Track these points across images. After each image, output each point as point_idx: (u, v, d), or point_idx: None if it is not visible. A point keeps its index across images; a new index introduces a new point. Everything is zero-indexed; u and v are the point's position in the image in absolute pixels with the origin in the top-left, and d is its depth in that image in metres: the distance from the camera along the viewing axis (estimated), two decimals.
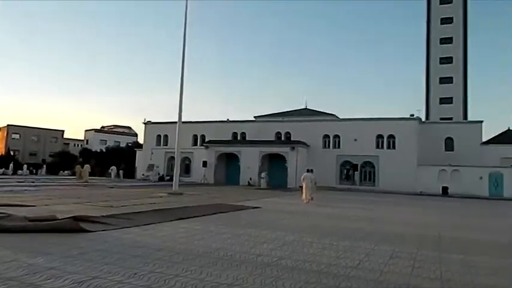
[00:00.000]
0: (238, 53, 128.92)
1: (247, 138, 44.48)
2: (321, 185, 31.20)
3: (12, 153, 68.59)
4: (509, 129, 42.48)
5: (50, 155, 72.06)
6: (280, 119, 46.46)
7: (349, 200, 23.23)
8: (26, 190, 21.21)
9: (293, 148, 38.90)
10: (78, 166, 39.04)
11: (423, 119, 47.22)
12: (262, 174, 36.04)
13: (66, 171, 53.83)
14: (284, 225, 10.92)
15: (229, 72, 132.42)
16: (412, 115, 40.40)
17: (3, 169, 49.98)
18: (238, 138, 45.40)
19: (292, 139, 41.84)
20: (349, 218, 13.49)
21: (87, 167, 37.18)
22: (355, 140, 39.94)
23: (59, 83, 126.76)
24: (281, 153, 39.37)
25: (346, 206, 19.35)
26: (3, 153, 68.31)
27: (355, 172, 39.54)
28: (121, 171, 46.24)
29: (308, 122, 43.22)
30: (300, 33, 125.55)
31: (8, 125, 77.12)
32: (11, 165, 50.74)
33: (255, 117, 50.31)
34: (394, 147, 38.96)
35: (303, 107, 52.33)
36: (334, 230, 10.32)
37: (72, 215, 9.60)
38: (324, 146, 41.54)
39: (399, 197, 29.04)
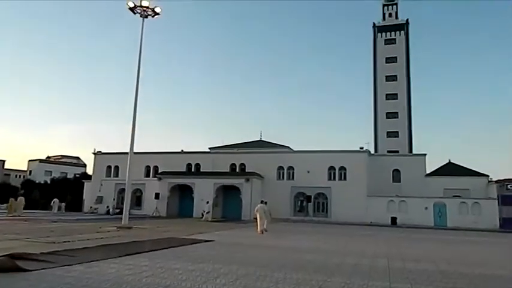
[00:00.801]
0: (192, 84, 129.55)
1: (201, 170, 44.00)
2: (275, 217, 31.24)
3: None
4: (450, 162, 45.22)
5: None
6: (235, 150, 46.57)
7: (303, 232, 23.37)
8: None
9: (247, 180, 38.90)
10: (12, 199, 36.18)
11: (372, 152, 49.25)
12: (206, 207, 34.69)
13: (4, 204, 50.09)
14: (238, 259, 10.73)
15: (183, 103, 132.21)
16: (362, 148, 42.03)
17: None
18: (193, 169, 44.82)
19: (246, 170, 41.91)
20: (303, 250, 13.52)
21: (21, 199, 34.92)
22: (308, 171, 40.72)
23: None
24: (236, 185, 39.19)
25: (300, 237, 19.42)
26: None
27: (309, 203, 40.06)
28: (63, 204, 43.81)
29: (262, 154, 43.63)
30: (254, 66, 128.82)
31: None
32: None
33: (209, 148, 50.09)
34: (345, 179, 40.09)
35: (258, 138, 52.92)
36: (287, 263, 10.27)
37: (8, 253, 8.88)
38: (278, 178, 41.95)
39: (351, 227, 29.62)
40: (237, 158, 44.05)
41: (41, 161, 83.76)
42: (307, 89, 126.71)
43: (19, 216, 30.63)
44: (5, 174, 78.13)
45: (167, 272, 8.29)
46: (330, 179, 40.50)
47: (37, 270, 7.87)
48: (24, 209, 34.62)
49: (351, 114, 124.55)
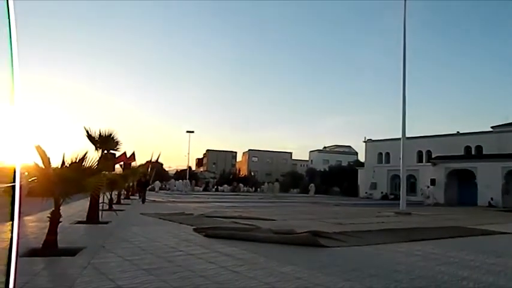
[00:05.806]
0: (466, 56, 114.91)
1: (484, 153, 38.72)
2: None
3: (252, 173, 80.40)
4: None
5: (282, 175, 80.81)
6: None
7: None
8: (265, 206, 24.38)
9: None
10: (269, 183, 52.93)
11: None
12: (427, 190, 33.13)
13: (295, 190, 59.16)
14: None
15: (456, 79, 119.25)
16: None
17: (247, 187, 59.22)
18: (473, 152, 40.02)
19: None
20: None
21: (276, 184, 48.32)
22: None
23: (283, 110, 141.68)
24: None
25: None
26: (246, 174, 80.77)
27: None
28: (313, 187, 52.93)
29: None
30: None
31: (249, 150, 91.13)
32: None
33: (492, 127, 43.45)
34: None
35: None
36: None
37: (308, 230, 10.37)
38: None
39: None
40: None
41: (319, 151, 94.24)
42: None
43: (275, 197, 39.71)
44: (293, 164, 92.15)
45: (461, 262, 7.68)
46: None
47: (333, 247, 8.84)
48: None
49: None
